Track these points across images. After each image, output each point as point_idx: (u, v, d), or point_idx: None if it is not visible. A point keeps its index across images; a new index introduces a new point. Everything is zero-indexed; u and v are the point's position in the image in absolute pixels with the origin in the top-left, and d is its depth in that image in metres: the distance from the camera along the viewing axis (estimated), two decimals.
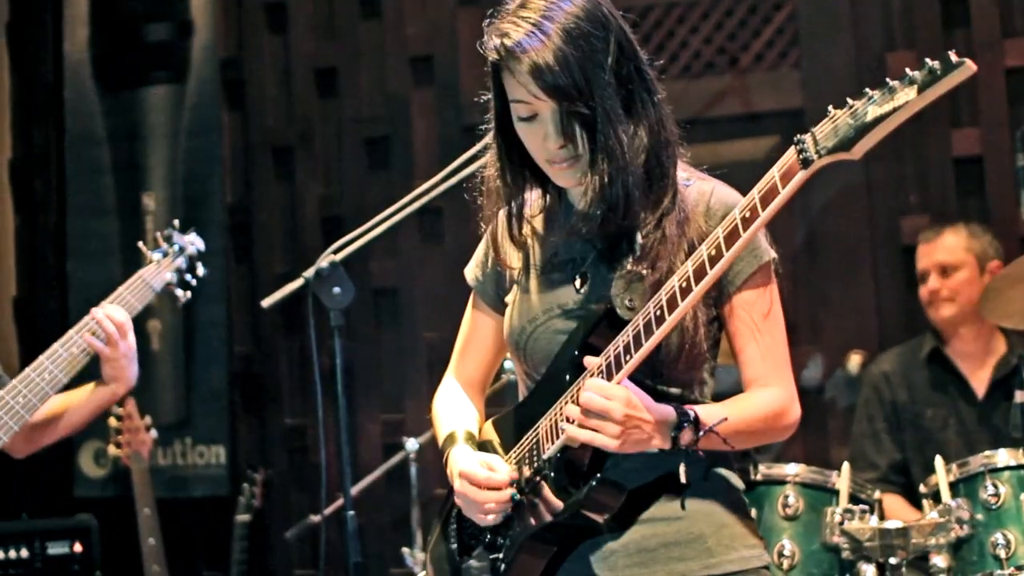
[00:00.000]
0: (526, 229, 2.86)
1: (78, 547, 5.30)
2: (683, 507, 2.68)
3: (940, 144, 5.64)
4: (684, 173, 2.78)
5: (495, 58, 2.67)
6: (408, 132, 6.40)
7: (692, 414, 2.57)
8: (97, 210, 6.64)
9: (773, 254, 2.74)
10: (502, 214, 2.91)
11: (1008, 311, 4.41)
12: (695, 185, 2.76)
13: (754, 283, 2.72)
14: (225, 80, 6.62)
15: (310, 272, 3.92)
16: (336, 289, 3.90)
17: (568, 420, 2.59)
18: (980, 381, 5.01)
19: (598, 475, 2.61)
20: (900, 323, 5.64)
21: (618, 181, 2.64)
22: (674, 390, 2.71)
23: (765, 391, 2.71)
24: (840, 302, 5.79)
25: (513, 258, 2.88)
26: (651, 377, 2.65)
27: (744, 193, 2.50)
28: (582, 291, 2.76)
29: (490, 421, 2.96)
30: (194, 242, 4.57)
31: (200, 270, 4.54)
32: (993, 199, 5.61)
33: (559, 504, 2.63)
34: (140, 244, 4.57)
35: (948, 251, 5.04)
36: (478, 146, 3.48)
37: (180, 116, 6.53)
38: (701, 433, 2.56)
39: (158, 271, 4.41)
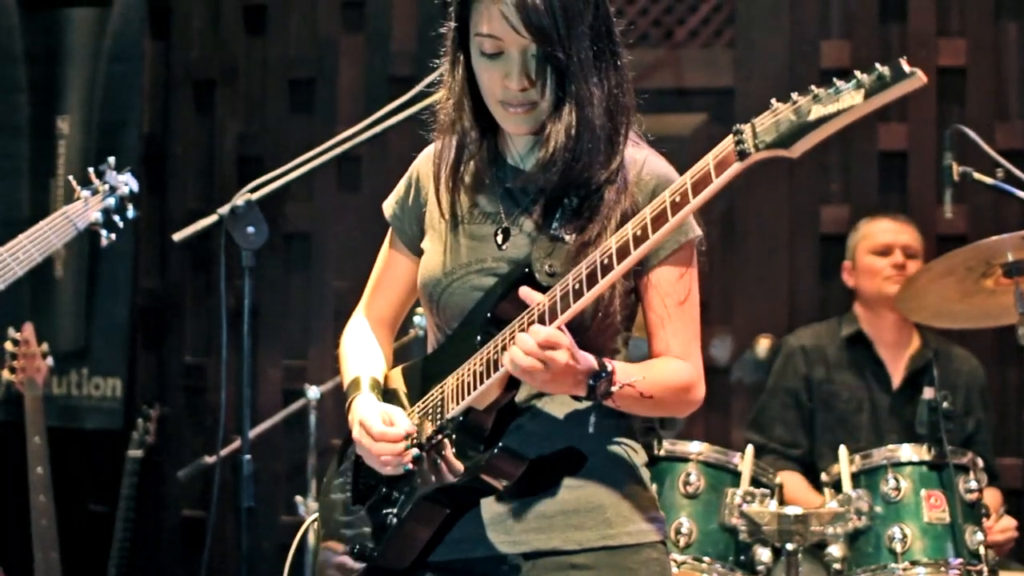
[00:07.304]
0: (467, 175, 2.81)
1: None
2: (581, 464, 2.68)
3: (867, 136, 5.66)
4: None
5: None
6: (334, 77, 6.32)
7: (611, 367, 2.55)
8: (8, 129, 6.49)
9: (699, 231, 2.74)
10: (428, 153, 2.88)
11: (920, 305, 4.46)
12: (629, 152, 2.73)
13: (675, 260, 2.72)
14: (152, 7, 6.48)
15: (225, 209, 3.88)
16: (250, 229, 3.86)
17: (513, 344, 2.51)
18: (897, 370, 5.07)
19: (500, 444, 2.59)
20: (812, 311, 5.67)
21: (584, 134, 2.62)
22: None
23: (677, 362, 2.70)
24: (754, 285, 5.81)
25: (439, 201, 2.83)
26: None
27: (677, 168, 2.47)
28: (503, 248, 2.73)
29: (398, 369, 2.92)
30: (128, 182, 4.46)
31: (131, 212, 4.44)
32: (914, 195, 5.67)
33: (459, 466, 2.60)
34: (70, 178, 4.45)
35: (914, 238, 5.10)
36: (405, 96, 3.44)
37: (102, 40, 6.38)
38: (616, 387, 2.54)
39: (84, 209, 4.31)
